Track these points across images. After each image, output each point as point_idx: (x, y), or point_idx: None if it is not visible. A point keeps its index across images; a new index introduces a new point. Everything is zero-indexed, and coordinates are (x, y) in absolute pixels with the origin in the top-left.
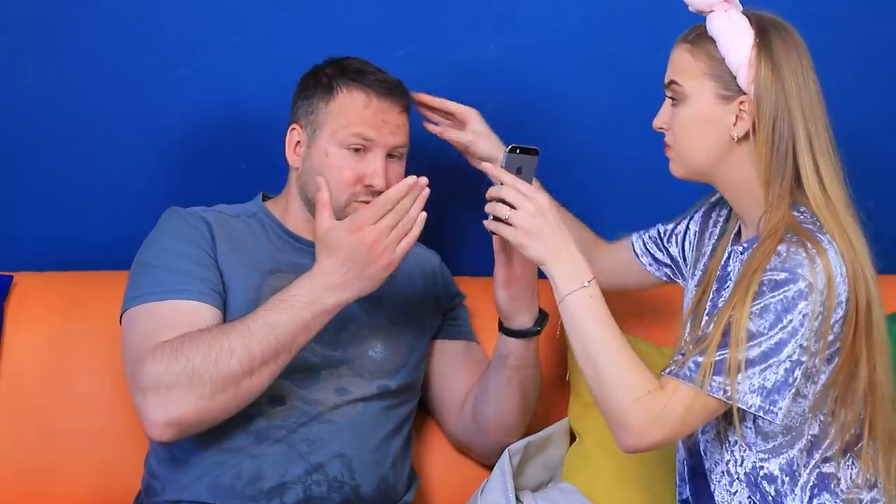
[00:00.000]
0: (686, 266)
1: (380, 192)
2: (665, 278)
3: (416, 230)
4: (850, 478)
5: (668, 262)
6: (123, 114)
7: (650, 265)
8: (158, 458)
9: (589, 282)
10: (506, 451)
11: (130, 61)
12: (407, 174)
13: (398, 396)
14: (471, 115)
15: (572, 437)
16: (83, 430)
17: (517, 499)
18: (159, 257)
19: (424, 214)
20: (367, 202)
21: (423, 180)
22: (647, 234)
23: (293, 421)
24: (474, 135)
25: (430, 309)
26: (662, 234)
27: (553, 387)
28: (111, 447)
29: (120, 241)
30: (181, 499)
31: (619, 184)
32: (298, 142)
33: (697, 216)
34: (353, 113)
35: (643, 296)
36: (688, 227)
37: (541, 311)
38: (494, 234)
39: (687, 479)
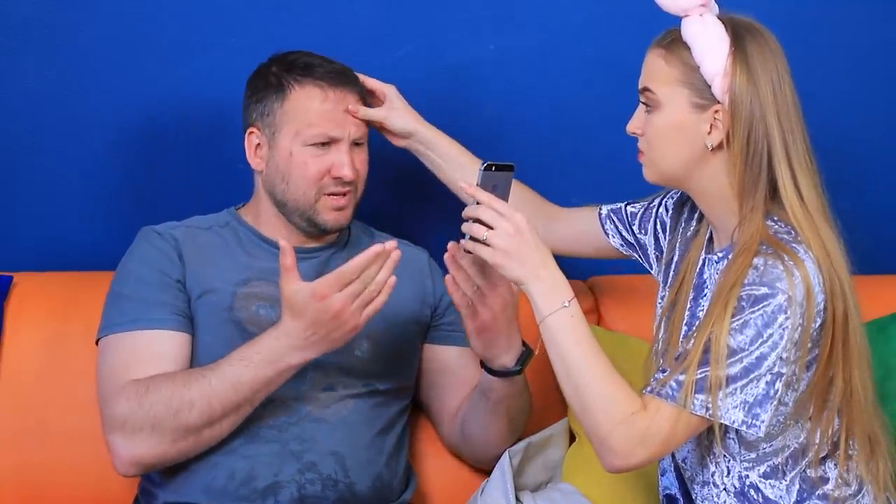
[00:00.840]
0: (658, 261)
1: (348, 182)
2: (630, 257)
3: (384, 296)
4: (837, 479)
5: (637, 246)
6: (123, 114)
7: (621, 246)
8: None
9: (569, 301)
10: (506, 452)
11: (130, 61)
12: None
13: (387, 395)
14: (388, 91)
15: (572, 438)
16: (83, 430)
17: (517, 499)
18: (125, 285)
19: (394, 279)
20: (337, 193)
21: (392, 245)
22: (615, 215)
23: (284, 420)
24: (387, 111)
25: (418, 307)
26: (631, 219)
27: (552, 387)
28: None
29: (120, 241)
30: (176, 501)
31: (619, 184)
32: (258, 144)
33: (669, 204)
34: (311, 109)
35: (642, 295)
36: (657, 214)
37: (525, 345)
38: (471, 253)
39: (676, 480)
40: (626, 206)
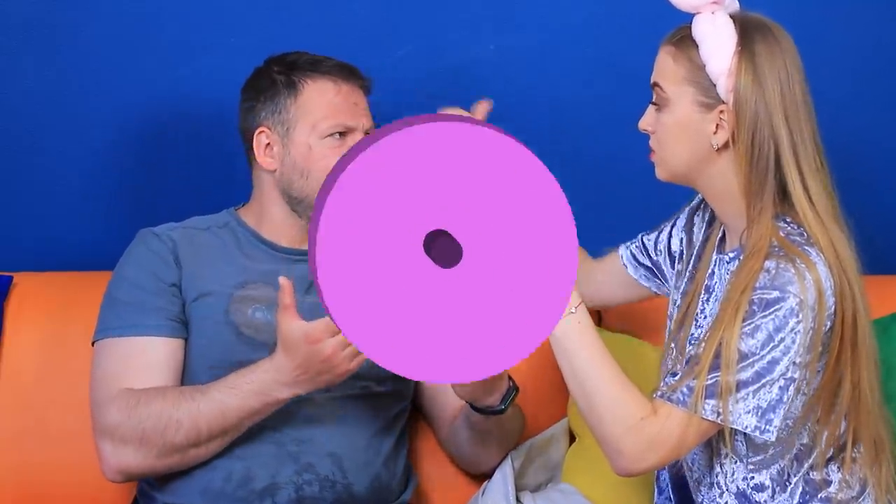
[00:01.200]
0: (671, 279)
1: None
2: (655, 289)
3: None
4: (840, 482)
5: (655, 269)
6: (123, 114)
7: (643, 278)
8: None
9: (576, 308)
10: (509, 454)
11: (130, 61)
12: None
13: (385, 397)
14: None
15: (572, 438)
16: (83, 431)
17: (517, 499)
18: (120, 288)
19: None
20: None
21: None
22: (633, 246)
23: (281, 421)
24: None
25: None
26: (647, 245)
27: (553, 386)
28: None
29: (120, 241)
30: (174, 503)
31: (619, 184)
32: (268, 144)
33: (680, 224)
34: (325, 102)
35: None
36: (671, 235)
37: (510, 380)
38: None
39: (671, 490)
40: (641, 237)
